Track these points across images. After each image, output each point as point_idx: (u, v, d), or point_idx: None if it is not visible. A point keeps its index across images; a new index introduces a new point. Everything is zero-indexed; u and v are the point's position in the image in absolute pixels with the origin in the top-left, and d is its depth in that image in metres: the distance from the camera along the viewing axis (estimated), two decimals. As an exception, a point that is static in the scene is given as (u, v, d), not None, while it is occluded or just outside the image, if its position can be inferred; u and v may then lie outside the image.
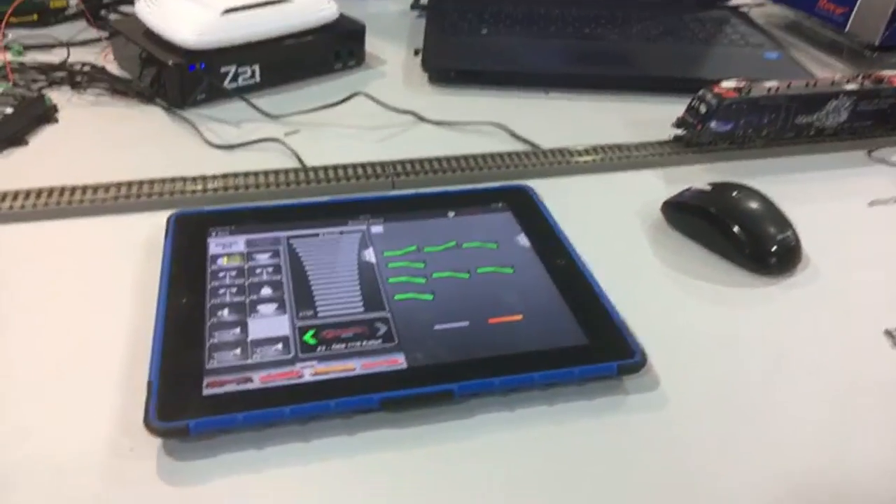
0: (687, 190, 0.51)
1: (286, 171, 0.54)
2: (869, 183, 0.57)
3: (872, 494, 0.34)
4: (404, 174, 0.55)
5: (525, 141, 0.61)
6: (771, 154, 0.60)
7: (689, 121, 0.59)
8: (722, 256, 0.48)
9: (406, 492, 0.33)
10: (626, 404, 0.37)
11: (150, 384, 0.35)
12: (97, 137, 0.58)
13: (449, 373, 0.37)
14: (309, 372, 0.36)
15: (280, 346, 0.38)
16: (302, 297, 0.41)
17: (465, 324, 0.40)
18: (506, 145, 0.60)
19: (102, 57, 0.70)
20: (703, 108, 0.58)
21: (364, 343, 0.38)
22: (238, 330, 0.38)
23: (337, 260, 0.44)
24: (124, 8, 0.79)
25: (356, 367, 0.37)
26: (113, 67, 0.68)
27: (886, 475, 0.35)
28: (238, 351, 0.37)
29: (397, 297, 0.41)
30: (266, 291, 0.41)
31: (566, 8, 0.84)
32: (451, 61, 0.72)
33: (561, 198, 0.52)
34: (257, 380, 0.36)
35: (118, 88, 0.64)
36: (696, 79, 0.68)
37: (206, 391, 0.35)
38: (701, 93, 0.59)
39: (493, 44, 0.75)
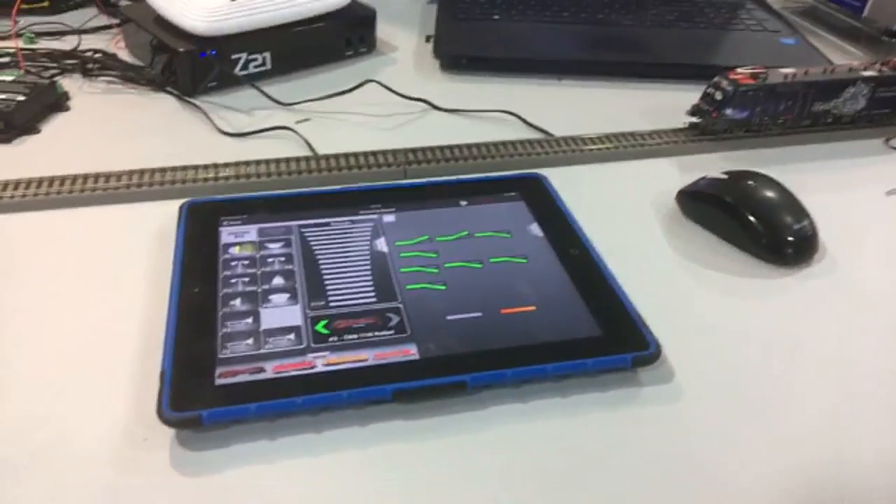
0: (702, 178, 0.51)
1: (297, 160, 0.54)
2: (887, 172, 0.57)
3: (891, 486, 0.33)
4: (416, 162, 0.54)
5: (538, 129, 0.60)
6: (787, 142, 0.60)
7: (704, 108, 0.58)
8: (737, 246, 0.47)
9: (418, 483, 0.33)
10: (640, 396, 0.37)
11: (162, 374, 0.35)
12: (108, 125, 0.58)
13: (461, 364, 0.36)
14: (321, 362, 0.36)
15: (292, 336, 0.37)
16: (314, 286, 0.41)
17: (477, 314, 0.39)
18: (518, 133, 0.59)
19: (113, 44, 0.70)
20: (718, 96, 0.57)
21: (376, 333, 0.38)
22: (250, 319, 0.38)
23: (348, 249, 0.44)
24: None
25: (368, 357, 0.36)
26: (124, 55, 0.68)
27: (904, 469, 0.34)
28: (250, 341, 0.37)
29: (409, 287, 0.41)
30: (278, 281, 0.41)
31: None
32: (462, 48, 0.71)
33: (574, 186, 0.51)
34: (270, 370, 0.36)
35: (129, 76, 0.64)
36: (712, 65, 0.67)
37: (219, 381, 0.35)
38: (716, 79, 0.58)
39: (505, 30, 0.74)
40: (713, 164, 0.56)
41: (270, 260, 0.42)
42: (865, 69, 0.60)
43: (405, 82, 0.65)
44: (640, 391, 0.37)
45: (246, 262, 0.42)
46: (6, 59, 0.64)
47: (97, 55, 0.66)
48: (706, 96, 0.58)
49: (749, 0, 0.85)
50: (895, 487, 0.33)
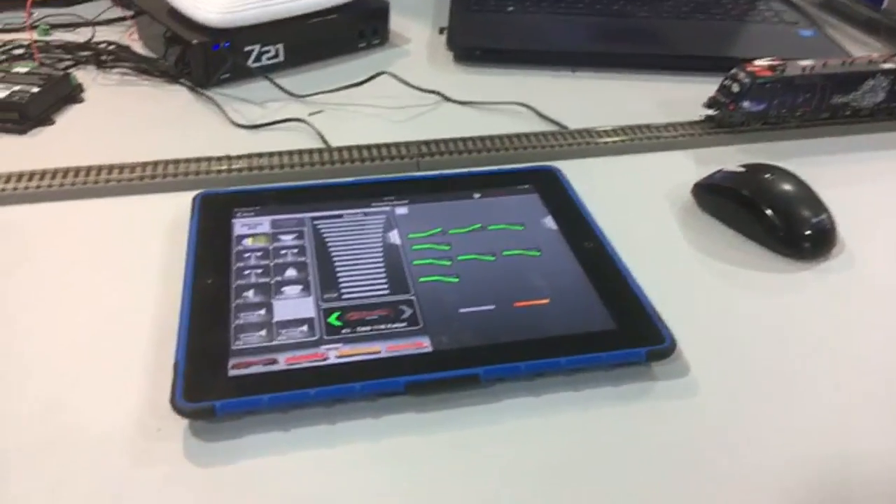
0: (718, 171, 0.50)
1: (310, 152, 0.54)
2: (907, 165, 0.56)
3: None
4: (429, 155, 0.54)
5: (552, 121, 0.60)
6: (805, 135, 0.59)
7: (721, 100, 0.58)
8: (754, 240, 0.47)
9: (431, 475, 0.33)
10: (654, 391, 0.37)
11: (176, 365, 0.35)
12: (122, 117, 0.58)
13: (474, 357, 0.36)
14: (334, 354, 0.36)
15: (305, 327, 0.37)
16: (326, 278, 0.41)
17: (490, 307, 0.39)
18: (532, 125, 0.59)
19: (127, 36, 0.70)
20: (735, 88, 0.57)
21: (389, 326, 0.38)
22: (263, 311, 0.38)
23: (361, 241, 0.43)
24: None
25: (381, 349, 0.36)
26: (138, 46, 0.68)
27: (923, 466, 0.34)
28: (263, 332, 0.37)
29: (422, 279, 0.41)
30: (291, 273, 0.41)
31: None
32: (476, 40, 0.71)
33: (588, 179, 0.51)
34: (282, 361, 0.35)
35: (143, 68, 0.64)
36: (728, 57, 0.66)
37: (232, 372, 0.35)
38: (733, 71, 0.57)
39: (519, 22, 0.74)
40: (730, 157, 0.55)
41: (283, 252, 0.42)
42: (885, 61, 0.59)
43: (418, 74, 0.64)
44: (655, 385, 0.37)
45: (259, 254, 0.42)
46: (21, 51, 0.64)
47: (111, 47, 0.66)
48: (723, 88, 0.58)
49: (766, -9, 0.84)
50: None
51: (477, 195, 0.48)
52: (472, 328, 0.38)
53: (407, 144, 0.55)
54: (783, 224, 0.46)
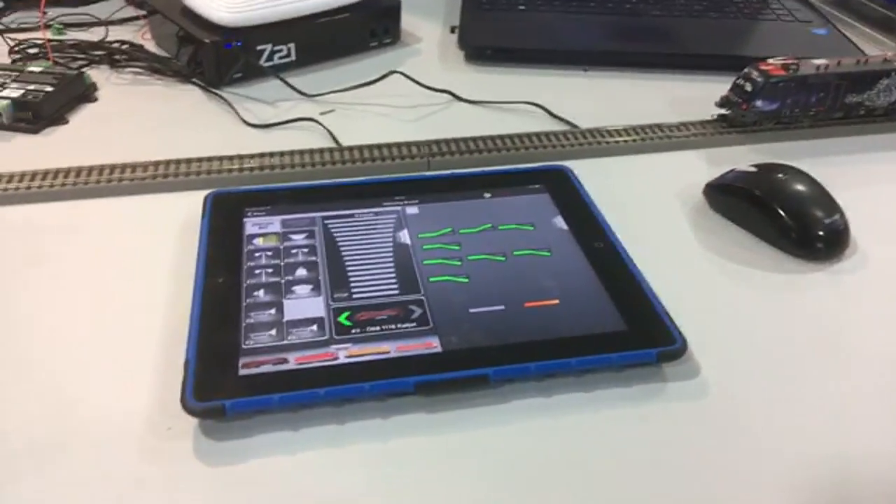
0: (730, 171, 0.50)
1: (321, 151, 0.54)
2: (922, 165, 0.55)
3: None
4: (440, 154, 0.54)
5: (563, 120, 0.59)
6: (819, 135, 0.59)
7: (733, 100, 0.57)
8: (766, 241, 0.47)
9: (440, 476, 0.32)
10: (665, 392, 0.37)
11: (186, 363, 0.35)
12: (135, 116, 0.59)
13: (484, 357, 0.36)
14: (344, 354, 0.36)
15: (315, 327, 0.38)
16: (337, 278, 0.41)
17: (500, 307, 0.39)
18: (543, 125, 0.59)
19: (140, 35, 0.70)
20: (748, 87, 0.56)
21: (399, 326, 0.38)
22: (274, 310, 0.38)
23: (372, 241, 0.43)
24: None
25: (391, 349, 0.36)
26: (151, 46, 0.68)
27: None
28: (274, 332, 0.37)
29: (432, 279, 0.41)
30: (301, 272, 0.41)
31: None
32: (487, 39, 0.70)
33: (599, 179, 0.51)
34: (293, 361, 0.36)
35: (156, 67, 0.64)
36: (741, 56, 0.66)
37: (242, 371, 0.35)
38: (746, 70, 0.57)
39: (530, 20, 0.73)
40: (742, 157, 0.55)
41: (294, 251, 0.42)
42: (900, 60, 0.58)
43: (430, 73, 0.64)
44: (665, 387, 0.37)
45: (270, 253, 0.42)
46: (35, 50, 0.65)
47: (124, 46, 0.66)
48: (736, 87, 0.57)
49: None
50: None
51: (487, 195, 0.48)
52: (482, 328, 0.38)
53: (418, 144, 0.55)
54: (796, 224, 0.45)
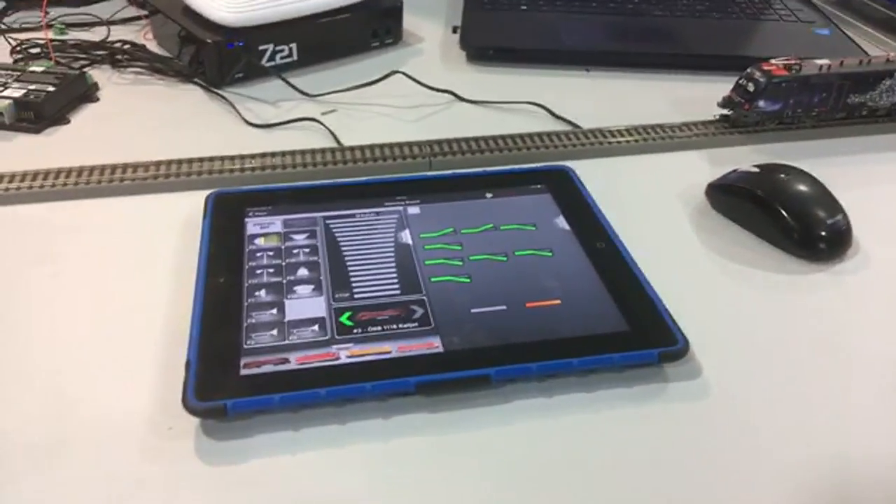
0: (733, 172, 0.50)
1: (323, 151, 0.54)
2: (924, 166, 0.55)
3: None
4: (441, 154, 0.54)
5: (565, 121, 0.59)
6: (821, 135, 0.58)
7: (735, 100, 0.57)
8: (769, 241, 0.47)
9: (441, 477, 0.32)
10: (666, 392, 0.37)
11: (188, 363, 0.35)
12: (137, 116, 0.59)
13: (486, 357, 0.36)
14: (345, 354, 0.36)
15: (316, 327, 0.37)
16: (338, 278, 0.41)
17: (502, 308, 0.39)
18: (545, 125, 0.59)
19: (142, 35, 0.70)
20: (751, 87, 0.56)
21: (400, 326, 0.38)
22: (275, 310, 0.38)
23: (373, 241, 0.43)
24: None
25: (392, 350, 0.36)
26: (152, 46, 0.68)
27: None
28: (275, 332, 0.37)
29: (434, 279, 0.41)
30: (303, 272, 0.41)
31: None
32: (489, 39, 0.70)
33: (601, 179, 0.51)
34: (294, 361, 0.36)
35: (157, 67, 0.64)
36: (744, 56, 0.66)
37: (244, 371, 0.35)
38: (749, 71, 0.57)
39: (532, 20, 0.73)
40: (744, 157, 0.55)
41: (295, 251, 0.42)
42: (903, 60, 0.58)
43: (431, 73, 0.64)
44: (667, 387, 0.37)
45: (271, 253, 0.42)
46: (37, 50, 0.65)
47: (126, 46, 0.66)
48: (738, 88, 0.57)
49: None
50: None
51: (489, 195, 0.48)
52: (484, 328, 0.38)
53: (419, 144, 0.55)
54: (798, 225, 0.45)
